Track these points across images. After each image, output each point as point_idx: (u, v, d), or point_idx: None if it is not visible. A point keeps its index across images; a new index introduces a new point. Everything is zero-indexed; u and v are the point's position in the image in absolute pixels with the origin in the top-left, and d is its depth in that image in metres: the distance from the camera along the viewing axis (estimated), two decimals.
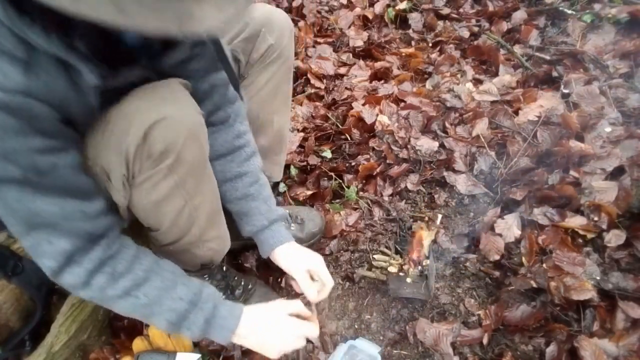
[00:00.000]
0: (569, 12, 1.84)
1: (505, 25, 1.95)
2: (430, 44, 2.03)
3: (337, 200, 1.51)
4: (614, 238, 1.16)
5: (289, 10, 2.34)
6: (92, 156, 0.76)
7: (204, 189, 0.89)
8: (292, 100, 1.83)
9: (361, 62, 2.01)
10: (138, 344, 1.12)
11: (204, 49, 0.86)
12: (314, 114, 1.79)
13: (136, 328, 1.20)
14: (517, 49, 1.82)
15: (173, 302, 0.81)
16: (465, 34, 1.99)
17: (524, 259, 1.21)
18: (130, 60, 0.70)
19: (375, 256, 1.30)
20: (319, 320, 0.96)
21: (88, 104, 0.68)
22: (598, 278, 1.12)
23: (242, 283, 1.21)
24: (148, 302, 0.79)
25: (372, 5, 2.25)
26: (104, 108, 0.72)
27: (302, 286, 1.00)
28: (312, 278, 1.02)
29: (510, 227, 1.26)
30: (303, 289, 1.00)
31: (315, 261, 1.02)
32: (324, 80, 1.94)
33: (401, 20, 2.17)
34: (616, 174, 1.25)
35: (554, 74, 1.65)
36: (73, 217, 0.70)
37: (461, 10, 2.13)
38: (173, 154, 0.75)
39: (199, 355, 1.11)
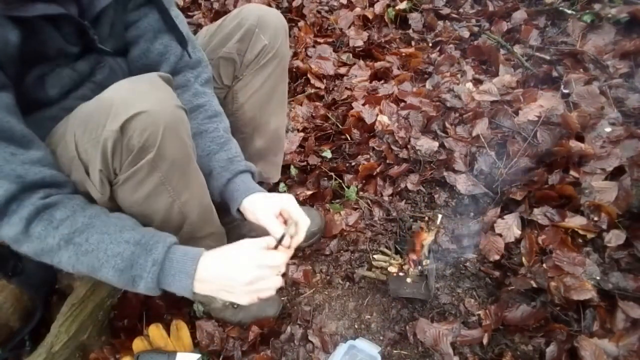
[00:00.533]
0: (569, 12, 1.84)
1: (505, 25, 1.95)
2: (430, 44, 2.03)
3: (337, 200, 1.51)
4: (614, 238, 1.16)
5: (288, 10, 2.34)
6: (70, 148, 0.75)
7: (191, 185, 0.87)
8: (292, 101, 1.84)
9: (361, 62, 2.01)
10: (138, 344, 1.12)
11: (149, 11, 0.89)
12: (314, 114, 1.79)
13: (136, 328, 1.20)
14: (517, 49, 1.82)
15: (118, 245, 0.74)
16: (465, 34, 1.99)
17: (524, 259, 1.21)
18: None
19: (375, 256, 1.30)
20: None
21: (7, 39, 0.69)
22: (598, 278, 1.12)
23: None
24: (91, 249, 0.74)
25: (372, 5, 2.25)
26: (28, 46, 0.72)
27: (270, 229, 0.88)
28: (285, 224, 0.91)
29: (510, 227, 1.26)
30: (270, 231, 0.88)
31: (285, 201, 0.91)
32: (324, 80, 1.94)
33: (401, 20, 2.17)
34: (616, 174, 1.25)
35: (554, 74, 1.65)
36: (3, 159, 0.70)
37: (461, 10, 2.13)
38: (153, 148, 0.74)
39: (199, 355, 1.11)
